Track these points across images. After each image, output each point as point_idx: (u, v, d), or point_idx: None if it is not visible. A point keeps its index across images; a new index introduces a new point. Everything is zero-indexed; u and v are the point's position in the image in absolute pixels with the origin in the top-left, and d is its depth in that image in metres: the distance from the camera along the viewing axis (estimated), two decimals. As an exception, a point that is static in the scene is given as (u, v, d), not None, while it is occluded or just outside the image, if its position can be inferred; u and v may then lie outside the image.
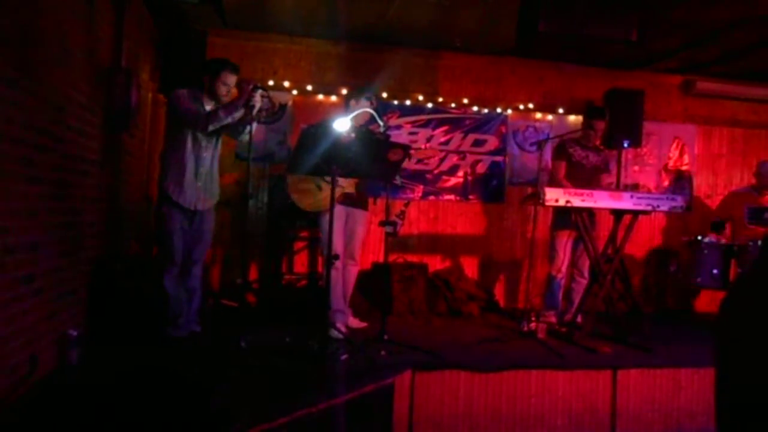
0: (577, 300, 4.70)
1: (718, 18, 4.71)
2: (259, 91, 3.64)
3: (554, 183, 4.72)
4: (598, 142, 4.91)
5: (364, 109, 3.96)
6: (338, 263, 4.05)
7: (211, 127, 3.64)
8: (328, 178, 3.94)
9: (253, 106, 3.64)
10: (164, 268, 3.73)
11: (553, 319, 4.77)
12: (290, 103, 5.57)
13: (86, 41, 3.49)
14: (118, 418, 2.66)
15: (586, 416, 3.82)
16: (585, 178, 4.75)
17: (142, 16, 4.71)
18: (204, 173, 3.75)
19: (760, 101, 6.45)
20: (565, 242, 4.78)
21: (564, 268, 4.85)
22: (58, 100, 3.10)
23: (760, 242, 4.80)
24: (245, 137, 3.78)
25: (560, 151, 4.87)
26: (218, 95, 3.74)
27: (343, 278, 4.26)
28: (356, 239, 4.29)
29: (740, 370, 1.11)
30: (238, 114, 3.68)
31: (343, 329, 3.97)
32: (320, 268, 4.36)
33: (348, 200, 4.14)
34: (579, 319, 4.52)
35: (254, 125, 3.73)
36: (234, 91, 3.78)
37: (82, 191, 3.53)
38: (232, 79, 3.74)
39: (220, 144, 3.88)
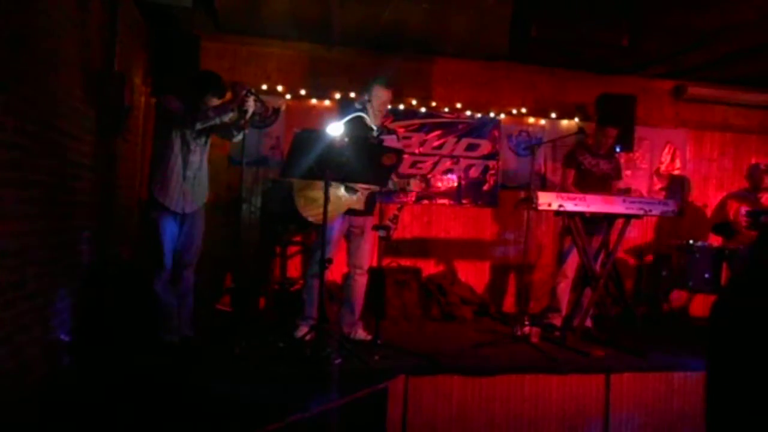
0: (585, 303, 4.63)
1: (709, 24, 4.74)
2: (252, 97, 3.65)
3: (563, 190, 4.70)
4: (603, 151, 4.90)
5: (357, 113, 3.97)
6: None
7: (198, 125, 3.62)
8: (341, 189, 3.92)
9: (246, 111, 3.65)
10: (154, 272, 3.72)
11: (558, 322, 4.78)
12: (283, 107, 5.54)
13: (79, 45, 3.48)
14: (110, 424, 2.65)
15: (579, 420, 3.83)
16: (594, 185, 4.74)
17: (135, 20, 4.70)
18: (191, 176, 3.74)
19: (751, 106, 6.50)
20: (573, 247, 4.77)
21: (570, 273, 4.86)
22: (51, 104, 3.09)
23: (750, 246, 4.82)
24: (238, 138, 3.80)
25: (570, 159, 4.88)
26: (198, 108, 3.73)
27: (352, 290, 4.18)
28: (363, 247, 4.16)
29: (730, 373, 1.12)
30: (227, 117, 3.68)
31: (302, 333, 3.99)
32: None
33: (352, 211, 4.05)
34: (588, 323, 4.53)
35: (247, 129, 3.74)
36: (227, 94, 3.79)
37: (75, 196, 3.52)
38: (214, 102, 3.74)
39: (208, 147, 3.87)
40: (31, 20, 2.82)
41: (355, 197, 3.95)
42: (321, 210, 3.83)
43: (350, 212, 4.03)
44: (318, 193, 3.88)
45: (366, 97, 4.11)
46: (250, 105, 3.65)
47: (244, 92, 3.62)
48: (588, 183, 4.76)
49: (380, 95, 4.07)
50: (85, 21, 3.57)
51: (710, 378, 1.18)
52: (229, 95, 3.75)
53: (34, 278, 2.94)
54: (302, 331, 4.06)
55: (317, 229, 4.07)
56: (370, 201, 4.14)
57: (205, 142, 3.83)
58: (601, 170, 4.86)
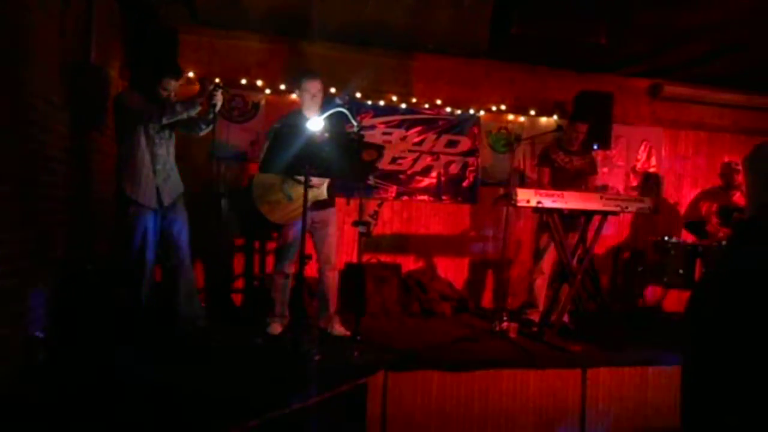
0: (563, 299, 4.66)
1: (686, 24, 4.82)
2: (220, 91, 3.63)
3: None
4: (575, 147, 4.93)
5: (337, 108, 3.95)
6: (288, 270, 4.06)
7: (164, 120, 3.58)
8: (299, 186, 3.92)
9: (215, 105, 3.64)
10: (138, 274, 3.64)
11: (536, 317, 4.82)
12: (263, 102, 5.53)
13: (54, 36, 3.41)
14: (85, 422, 2.62)
15: (556, 414, 3.88)
16: (570, 182, 4.78)
17: (112, 12, 4.62)
18: (161, 169, 3.71)
19: (725, 106, 6.62)
20: (550, 244, 4.83)
21: (547, 269, 4.90)
22: (25, 96, 3.02)
23: (724, 243, 4.94)
24: (205, 131, 3.78)
25: (544, 158, 4.92)
26: (160, 98, 3.70)
27: (324, 286, 4.17)
28: (328, 241, 4.15)
29: (705, 366, 1.14)
30: (194, 110, 3.64)
31: (277, 331, 4.02)
32: (293, 269, 4.30)
33: (315, 205, 4.05)
34: (565, 318, 4.59)
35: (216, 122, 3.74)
36: (196, 87, 3.77)
37: (50, 190, 3.45)
38: (173, 85, 3.73)
39: (173, 138, 3.84)
40: (4, 11, 2.75)
41: (317, 190, 3.95)
42: (286, 210, 3.90)
43: (314, 206, 4.03)
44: (277, 195, 3.93)
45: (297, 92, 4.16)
46: (219, 99, 3.64)
47: (211, 87, 3.59)
48: (563, 180, 4.80)
49: (308, 87, 4.07)
50: (61, 11, 3.50)
51: (685, 371, 1.21)
52: (196, 88, 3.73)
53: (8, 274, 2.88)
54: (276, 329, 4.05)
55: (280, 230, 4.09)
56: (331, 193, 4.14)
57: (170, 135, 3.79)
58: (575, 167, 4.90)
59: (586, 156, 5.01)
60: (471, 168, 6.04)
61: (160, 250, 3.81)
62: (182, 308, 3.75)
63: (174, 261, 3.79)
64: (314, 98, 4.07)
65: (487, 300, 6.06)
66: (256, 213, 4.00)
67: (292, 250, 4.04)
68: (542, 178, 4.88)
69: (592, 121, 5.02)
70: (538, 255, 4.98)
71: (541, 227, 4.93)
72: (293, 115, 4.13)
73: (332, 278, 4.19)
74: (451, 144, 6.00)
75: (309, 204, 3.93)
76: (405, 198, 5.91)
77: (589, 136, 5.05)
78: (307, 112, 4.07)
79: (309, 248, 4.22)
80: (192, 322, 3.77)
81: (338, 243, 4.33)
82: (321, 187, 3.96)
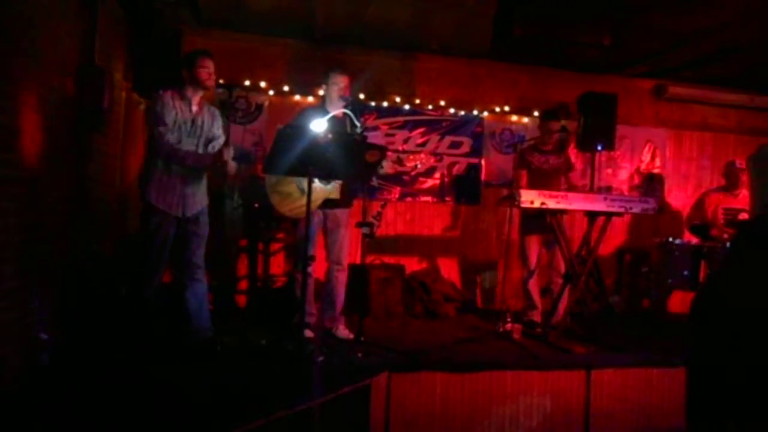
0: (559, 300, 4.65)
1: (690, 24, 4.81)
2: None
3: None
4: (549, 147, 4.92)
5: (341, 109, 3.95)
6: (310, 268, 4.01)
7: (185, 163, 3.53)
8: (320, 182, 3.90)
9: (226, 172, 3.63)
10: (148, 278, 3.61)
11: (537, 318, 4.81)
12: (266, 103, 5.54)
13: (57, 38, 3.42)
14: (90, 422, 2.62)
15: (561, 416, 3.87)
16: (547, 181, 4.78)
17: (116, 14, 4.64)
18: (190, 179, 3.60)
19: (729, 106, 6.60)
20: (534, 246, 4.84)
21: (535, 268, 4.90)
22: (28, 98, 3.03)
23: (728, 244, 4.92)
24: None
25: (521, 160, 4.91)
26: (201, 81, 3.60)
27: (332, 286, 4.15)
28: (339, 242, 4.13)
29: (710, 367, 1.13)
30: (203, 167, 3.63)
31: (310, 333, 3.96)
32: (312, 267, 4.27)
33: (329, 203, 4.03)
34: (567, 320, 4.58)
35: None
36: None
37: (51, 191, 3.46)
38: (209, 63, 3.62)
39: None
40: (8, 13, 2.77)
41: (329, 187, 3.92)
42: (296, 204, 3.83)
43: (327, 205, 4.00)
44: (290, 188, 3.87)
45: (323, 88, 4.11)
46: (232, 168, 3.61)
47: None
48: (541, 181, 4.78)
49: (337, 81, 4.04)
50: (65, 13, 3.51)
51: (691, 372, 1.20)
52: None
53: (11, 276, 2.89)
54: (307, 332, 3.99)
55: (296, 224, 4.06)
56: (347, 193, 4.10)
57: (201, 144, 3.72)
58: (551, 166, 4.89)
59: (561, 154, 5.01)
60: (474, 169, 6.04)
61: (172, 256, 3.74)
62: (192, 322, 3.70)
63: (186, 275, 3.69)
64: (341, 92, 4.02)
65: (490, 301, 6.05)
66: (265, 203, 3.94)
67: (309, 246, 4.00)
68: (519, 182, 4.85)
69: (584, 121, 5.01)
70: (523, 255, 4.97)
71: (523, 229, 4.92)
72: (312, 112, 4.01)
73: (341, 279, 4.18)
74: (455, 145, 5.99)
75: (320, 202, 3.93)
76: (408, 199, 5.91)
77: (590, 136, 5.04)
78: (330, 108, 3.98)
79: (320, 247, 4.23)
80: (199, 333, 3.74)
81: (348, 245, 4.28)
82: (332, 185, 3.94)
